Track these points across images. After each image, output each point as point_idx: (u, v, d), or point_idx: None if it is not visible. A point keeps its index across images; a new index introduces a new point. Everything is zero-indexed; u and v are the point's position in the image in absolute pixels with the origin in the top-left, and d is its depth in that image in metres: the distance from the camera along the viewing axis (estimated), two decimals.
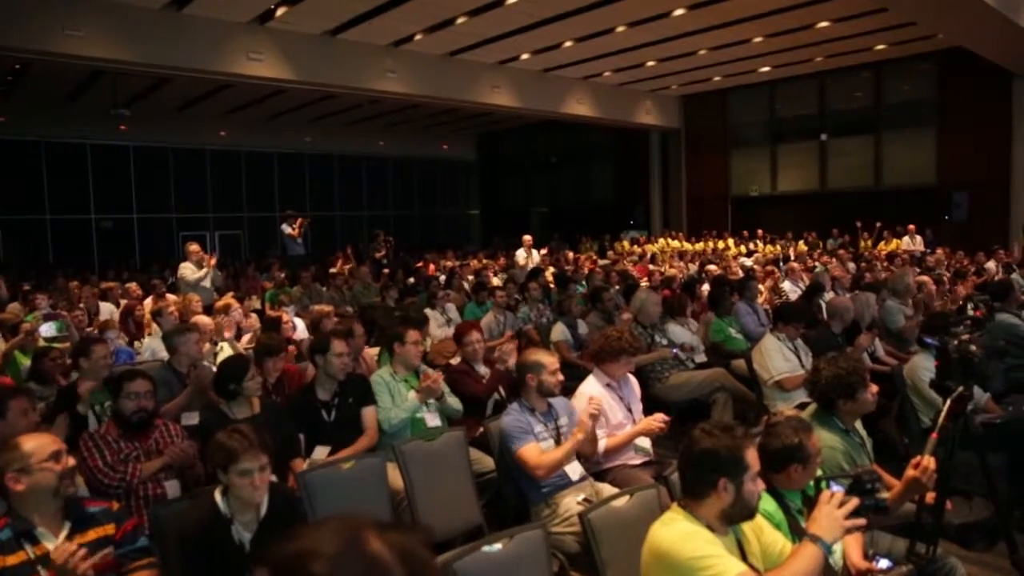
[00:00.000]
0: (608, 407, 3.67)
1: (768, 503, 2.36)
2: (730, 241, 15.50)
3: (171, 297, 7.62)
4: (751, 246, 14.92)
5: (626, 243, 16.62)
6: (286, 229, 12.42)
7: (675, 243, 15.84)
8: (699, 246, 15.22)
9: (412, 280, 10.07)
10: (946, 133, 14.80)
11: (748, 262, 11.92)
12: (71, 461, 2.35)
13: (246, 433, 2.49)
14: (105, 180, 18.26)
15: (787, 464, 2.42)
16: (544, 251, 13.09)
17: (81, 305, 7.52)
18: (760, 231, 15.33)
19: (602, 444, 3.60)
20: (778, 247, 14.37)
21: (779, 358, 4.85)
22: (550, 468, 3.20)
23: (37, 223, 17.28)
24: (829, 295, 7.08)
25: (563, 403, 3.59)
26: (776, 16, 11.69)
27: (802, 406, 4.29)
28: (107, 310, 7.61)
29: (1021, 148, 13.76)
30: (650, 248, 15.12)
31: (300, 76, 11.87)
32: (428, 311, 6.99)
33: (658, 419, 3.54)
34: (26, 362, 5.03)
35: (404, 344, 4.16)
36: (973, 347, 2.58)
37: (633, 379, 4.00)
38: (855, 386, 3.02)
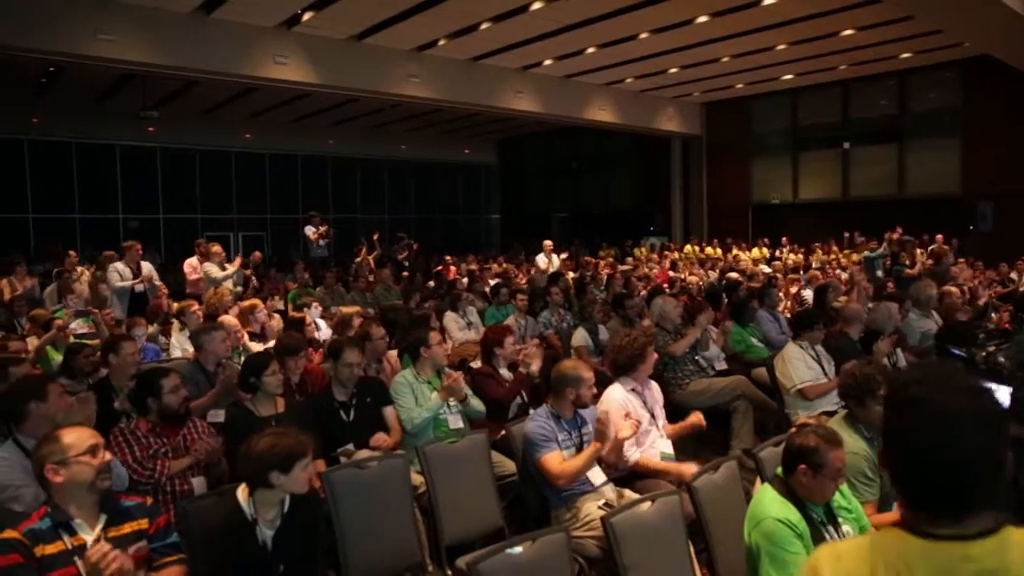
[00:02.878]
0: (634, 411, 3.70)
1: (791, 512, 2.37)
2: (764, 250, 15.28)
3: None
4: (777, 253, 14.82)
5: (644, 249, 16.54)
6: (309, 231, 12.53)
7: (709, 249, 15.64)
8: (732, 254, 15.03)
9: (433, 283, 10.13)
10: (971, 142, 14.63)
11: (767, 269, 11.87)
12: (108, 456, 2.41)
13: (287, 431, 2.55)
14: (133, 181, 18.56)
15: (796, 464, 2.41)
16: (564, 256, 13.09)
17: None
18: (784, 239, 15.22)
19: (636, 454, 3.62)
20: (799, 255, 14.29)
21: (802, 367, 4.84)
22: (571, 477, 3.23)
23: (67, 222, 17.59)
24: (843, 298, 7.08)
25: (589, 412, 3.61)
26: (800, 24, 11.63)
27: (825, 416, 4.30)
28: None
29: None
30: (671, 256, 15.05)
31: (325, 80, 12.00)
32: (449, 313, 7.04)
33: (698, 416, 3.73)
34: (58, 358, 5.14)
35: (430, 347, 4.23)
36: (1002, 359, 2.58)
37: (655, 385, 4.02)
38: (863, 395, 3.05)
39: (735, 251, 15.40)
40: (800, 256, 14.20)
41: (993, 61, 12.06)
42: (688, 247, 15.91)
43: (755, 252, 14.91)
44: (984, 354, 2.60)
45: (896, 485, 1.22)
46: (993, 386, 1.30)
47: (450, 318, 7.03)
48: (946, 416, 1.14)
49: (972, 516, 1.14)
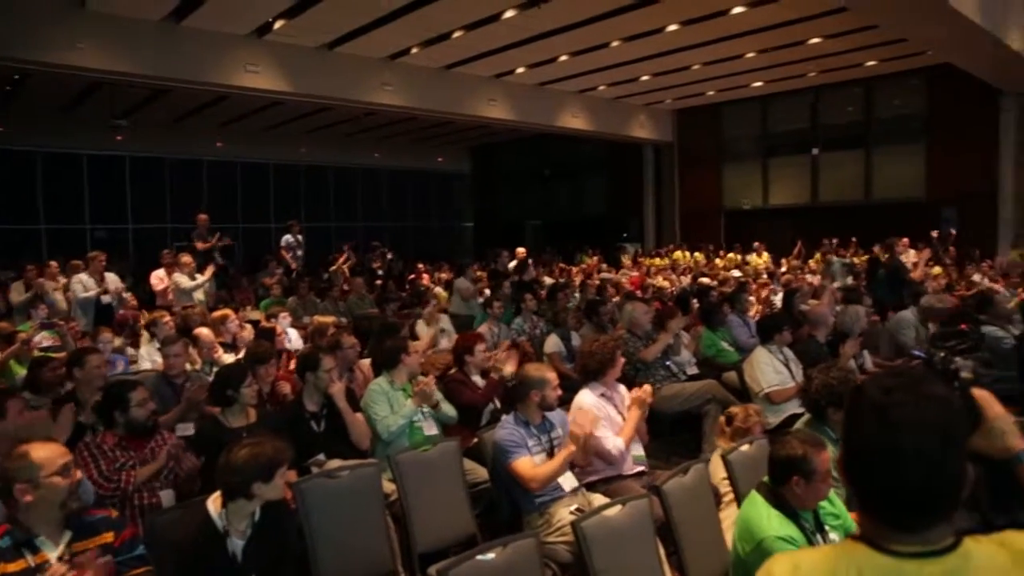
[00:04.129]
0: (606, 417, 3.73)
1: (791, 529, 2.34)
2: (755, 256, 15.20)
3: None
4: (747, 258, 14.90)
5: (626, 258, 16.49)
6: (287, 240, 12.40)
7: (698, 255, 15.57)
8: (728, 258, 14.93)
9: (408, 292, 10.10)
10: (935, 148, 14.94)
11: (738, 273, 12.01)
12: (78, 474, 2.37)
13: (263, 440, 2.54)
14: (101, 190, 18.26)
15: (788, 475, 2.39)
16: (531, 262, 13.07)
17: None
18: (757, 243, 15.38)
19: (619, 441, 3.65)
20: (767, 258, 14.42)
21: (769, 371, 4.91)
22: (543, 481, 3.25)
23: (32, 233, 17.25)
24: (812, 301, 7.18)
25: (558, 415, 3.63)
26: (768, 32, 11.81)
27: (793, 418, 4.37)
28: None
29: (1008, 163, 13.89)
30: (655, 262, 14.96)
31: (297, 88, 11.94)
32: (422, 322, 7.03)
33: (645, 391, 3.70)
34: (21, 372, 5.05)
35: (409, 354, 4.25)
36: (958, 360, 2.63)
37: (624, 389, 4.05)
38: (824, 407, 3.09)
39: (714, 258, 15.35)
40: (769, 260, 14.32)
41: (956, 69, 12.35)
42: (678, 253, 15.85)
43: (733, 256, 14.88)
44: (942, 355, 2.65)
45: (856, 495, 1.17)
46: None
47: (423, 326, 7.02)
48: (909, 424, 1.10)
49: (933, 530, 1.12)
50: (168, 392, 4.31)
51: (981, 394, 1.51)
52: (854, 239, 13.70)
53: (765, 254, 14.70)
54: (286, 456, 2.51)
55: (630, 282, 11.84)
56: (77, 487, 2.34)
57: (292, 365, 5.06)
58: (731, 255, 15.21)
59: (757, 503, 2.45)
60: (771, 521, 2.35)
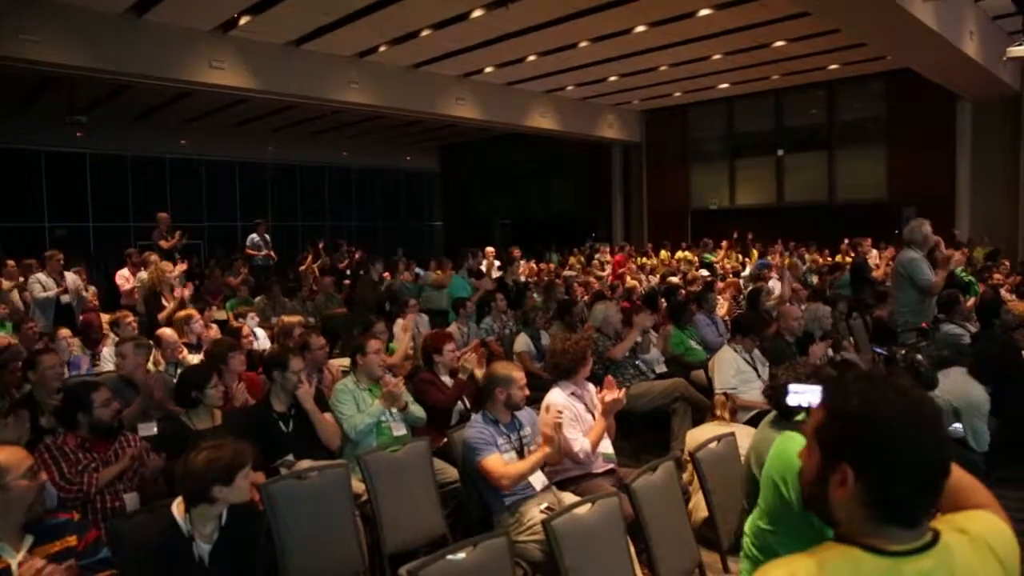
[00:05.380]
0: (578, 416, 3.74)
1: None
2: (736, 253, 15.13)
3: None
4: (715, 257, 14.97)
5: (598, 258, 16.38)
6: (252, 239, 12.24)
7: (688, 254, 15.36)
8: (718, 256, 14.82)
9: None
10: (895, 150, 15.29)
11: (705, 273, 12.13)
12: (44, 477, 2.32)
13: (223, 442, 2.50)
14: (60, 188, 17.82)
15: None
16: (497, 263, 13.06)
17: None
18: (725, 242, 15.54)
19: (585, 443, 3.64)
20: (734, 257, 14.56)
21: (729, 372, 4.96)
22: (514, 479, 3.26)
23: None
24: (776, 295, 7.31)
25: (527, 414, 3.64)
26: (734, 35, 11.98)
27: (761, 414, 4.42)
28: None
29: (964, 166, 14.26)
30: (645, 261, 14.90)
31: (263, 86, 11.78)
32: (400, 321, 6.97)
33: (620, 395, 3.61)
34: None
35: (366, 355, 4.20)
36: (920, 356, 2.71)
37: (592, 387, 4.08)
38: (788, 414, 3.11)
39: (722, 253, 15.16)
40: (736, 259, 14.45)
41: (914, 74, 12.63)
42: (664, 252, 15.78)
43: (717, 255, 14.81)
44: (903, 351, 2.73)
45: (865, 490, 1.14)
46: (801, 387, 1.33)
47: (399, 325, 6.94)
48: (928, 410, 1.15)
49: (918, 528, 1.15)
50: (130, 393, 4.23)
51: None
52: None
53: (733, 253, 14.82)
54: (246, 458, 2.47)
55: (610, 278, 11.95)
56: (44, 488, 2.30)
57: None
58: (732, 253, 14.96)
59: (797, 438, 2.38)
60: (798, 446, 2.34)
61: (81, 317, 7.07)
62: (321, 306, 8.83)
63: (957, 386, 3.63)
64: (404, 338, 6.17)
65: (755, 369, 5.01)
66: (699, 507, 3.42)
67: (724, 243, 15.20)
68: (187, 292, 7.71)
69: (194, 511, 2.44)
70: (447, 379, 4.65)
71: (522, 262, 12.21)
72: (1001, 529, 1.25)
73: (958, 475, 1.33)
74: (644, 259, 14.89)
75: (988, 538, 1.21)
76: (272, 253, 12.29)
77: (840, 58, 13.71)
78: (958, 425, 3.50)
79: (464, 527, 3.62)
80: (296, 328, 5.66)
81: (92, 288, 9.27)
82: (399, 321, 6.67)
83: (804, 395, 1.59)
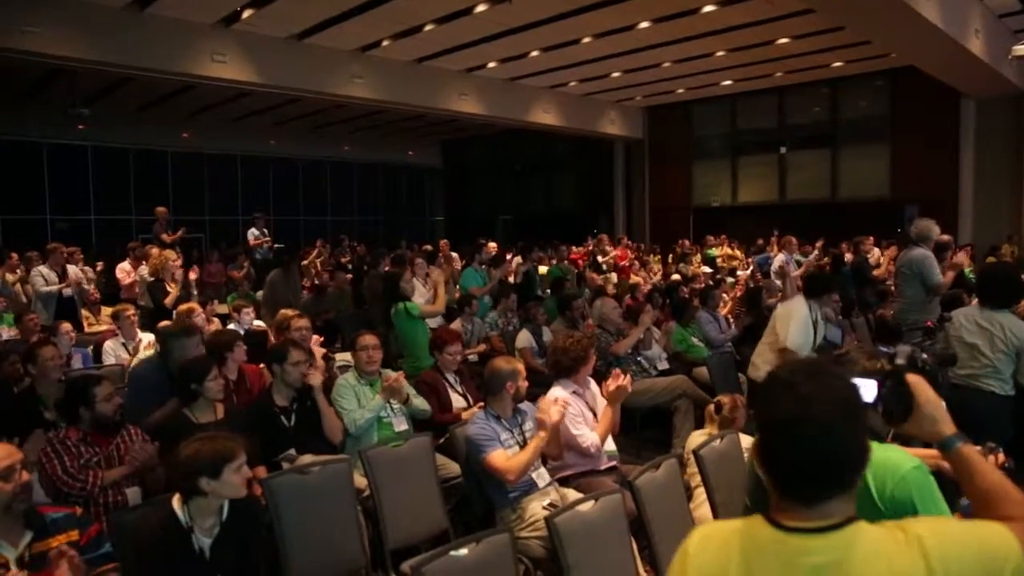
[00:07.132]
0: (579, 413, 3.73)
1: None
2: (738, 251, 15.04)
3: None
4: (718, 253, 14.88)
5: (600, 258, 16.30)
6: (252, 234, 12.24)
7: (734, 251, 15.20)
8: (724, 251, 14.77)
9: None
10: (899, 148, 15.24)
11: (708, 270, 12.13)
12: (26, 476, 2.29)
13: (216, 434, 2.50)
14: (62, 180, 17.81)
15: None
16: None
17: None
18: (723, 237, 15.47)
19: (594, 437, 3.63)
20: (737, 253, 14.52)
21: (803, 326, 4.60)
22: (519, 471, 3.25)
23: None
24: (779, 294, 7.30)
25: (529, 408, 3.63)
26: (738, 32, 11.93)
27: None
28: None
29: (968, 164, 14.24)
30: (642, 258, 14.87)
31: (265, 79, 11.75)
32: (416, 281, 6.97)
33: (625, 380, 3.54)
34: None
35: (356, 351, 4.21)
36: (924, 355, 2.69)
37: (595, 385, 4.07)
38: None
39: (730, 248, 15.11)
40: (741, 255, 14.40)
41: (919, 72, 12.60)
42: (655, 259, 15.69)
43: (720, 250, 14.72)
44: (910, 349, 2.70)
45: (767, 472, 1.23)
46: (858, 380, 1.33)
47: (435, 273, 6.88)
48: (816, 398, 1.17)
49: (821, 508, 1.16)
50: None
51: (914, 379, 1.53)
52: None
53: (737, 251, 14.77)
54: (234, 451, 2.44)
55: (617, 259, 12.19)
56: (27, 488, 2.28)
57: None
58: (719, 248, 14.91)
59: (886, 446, 2.34)
60: (903, 455, 2.27)
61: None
62: (336, 300, 8.82)
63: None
64: (441, 290, 6.08)
65: (815, 331, 4.70)
66: (701, 505, 3.42)
67: (723, 237, 15.17)
68: (193, 275, 7.76)
69: (191, 504, 2.44)
70: (452, 377, 4.65)
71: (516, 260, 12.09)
72: (979, 542, 1.16)
73: (998, 483, 1.34)
74: (649, 257, 14.92)
75: (930, 543, 1.13)
76: (271, 242, 12.26)
77: (844, 55, 13.66)
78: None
79: (466, 522, 3.62)
80: (290, 320, 5.65)
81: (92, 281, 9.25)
82: (434, 270, 6.69)
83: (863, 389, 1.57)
